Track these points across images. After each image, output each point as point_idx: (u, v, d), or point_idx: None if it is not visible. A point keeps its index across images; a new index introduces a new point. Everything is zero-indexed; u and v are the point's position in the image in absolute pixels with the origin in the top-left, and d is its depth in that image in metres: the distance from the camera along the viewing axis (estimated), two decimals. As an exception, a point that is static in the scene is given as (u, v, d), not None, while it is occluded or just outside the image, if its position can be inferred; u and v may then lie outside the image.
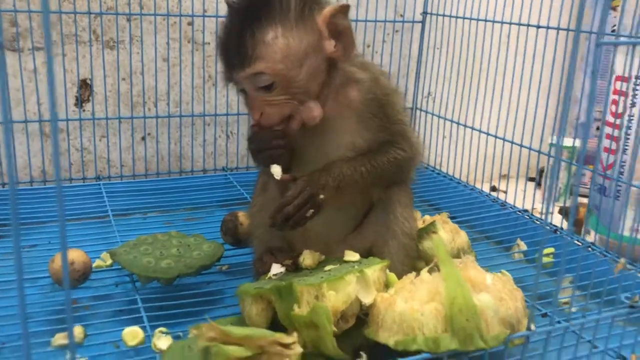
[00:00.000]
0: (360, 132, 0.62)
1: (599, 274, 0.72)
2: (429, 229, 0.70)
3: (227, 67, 0.61)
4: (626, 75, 0.77)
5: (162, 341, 0.61)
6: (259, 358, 0.48)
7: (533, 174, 1.26)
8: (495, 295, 0.54)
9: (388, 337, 0.51)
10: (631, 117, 0.79)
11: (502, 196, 1.08)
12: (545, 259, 0.81)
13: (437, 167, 1.22)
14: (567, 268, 0.76)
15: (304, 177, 0.61)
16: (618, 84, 0.80)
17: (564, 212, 1.04)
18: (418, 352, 0.49)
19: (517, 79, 0.97)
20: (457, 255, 0.72)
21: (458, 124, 1.14)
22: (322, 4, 0.60)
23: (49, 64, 0.33)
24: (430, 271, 0.57)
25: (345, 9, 0.59)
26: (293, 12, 0.58)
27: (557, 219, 0.96)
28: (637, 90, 0.78)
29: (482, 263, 0.70)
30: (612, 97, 0.82)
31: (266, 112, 0.60)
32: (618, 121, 0.80)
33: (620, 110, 0.79)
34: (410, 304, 0.51)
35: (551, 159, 1.01)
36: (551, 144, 1.09)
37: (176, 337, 0.62)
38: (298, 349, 0.49)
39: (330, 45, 0.60)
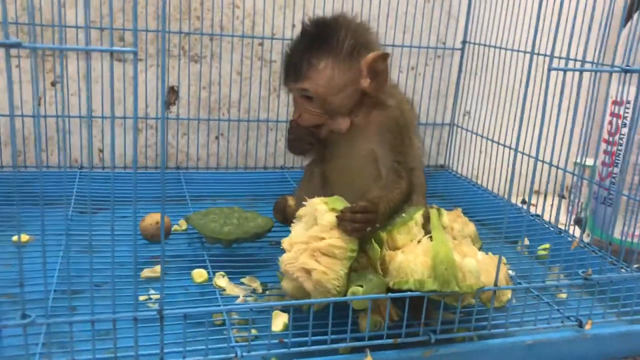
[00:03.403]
0: (379, 143, 0.79)
1: (585, 265, 0.87)
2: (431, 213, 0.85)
3: (286, 76, 0.79)
4: (618, 99, 0.91)
5: (221, 281, 0.80)
6: None
7: (562, 191, 1.39)
8: (481, 265, 0.70)
9: (389, 281, 0.68)
10: (622, 136, 0.93)
11: (531, 209, 1.22)
12: (542, 252, 0.96)
13: (473, 179, 1.36)
14: (558, 260, 0.91)
15: (371, 203, 0.71)
16: (613, 107, 0.94)
17: (580, 221, 1.17)
18: (409, 290, 0.66)
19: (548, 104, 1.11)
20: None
21: (492, 141, 1.29)
22: (369, 48, 0.76)
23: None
24: (430, 239, 0.73)
25: (385, 56, 0.75)
26: (344, 51, 0.74)
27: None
28: (627, 112, 0.92)
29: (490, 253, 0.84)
30: (608, 118, 0.96)
31: (304, 116, 0.78)
32: (612, 139, 0.94)
33: (613, 129, 0.93)
34: (407, 257, 0.68)
35: (575, 177, 1.14)
36: (575, 163, 1.23)
37: (232, 280, 0.81)
38: None
39: (366, 82, 0.76)
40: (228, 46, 1.24)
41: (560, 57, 0.85)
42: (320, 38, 0.75)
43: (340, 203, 0.70)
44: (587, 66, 0.84)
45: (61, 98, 1.17)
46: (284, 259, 0.69)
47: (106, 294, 0.77)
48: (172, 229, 0.94)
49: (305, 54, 0.75)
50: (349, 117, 0.78)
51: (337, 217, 0.68)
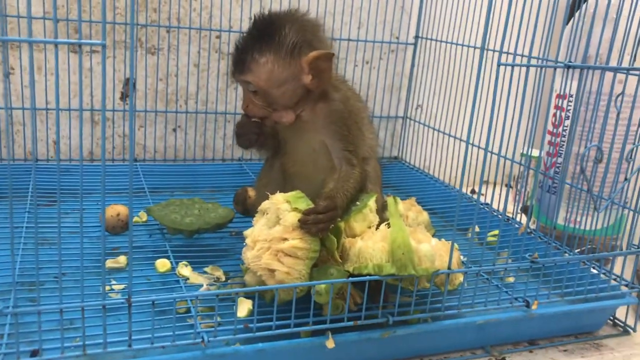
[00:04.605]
0: (327, 134, 0.81)
1: (531, 250, 0.92)
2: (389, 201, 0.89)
3: (233, 68, 0.82)
4: (562, 93, 0.97)
5: (185, 270, 0.82)
6: None
7: (507, 181, 1.45)
8: (434, 251, 0.74)
9: (349, 266, 0.71)
10: (565, 128, 0.98)
11: (481, 198, 1.27)
12: (491, 238, 1.01)
13: (425, 170, 1.41)
14: (506, 245, 0.96)
15: (330, 200, 0.73)
16: (556, 100, 0.99)
17: (527, 209, 1.23)
18: (368, 274, 0.69)
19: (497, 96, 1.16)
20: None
21: (443, 133, 1.34)
22: (314, 46, 0.78)
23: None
24: (387, 226, 0.76)
25: (328, 55, 0.77)
26: (285, 49, 0.77)
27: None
28: (570, 105, 0.97)
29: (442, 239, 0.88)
30: (553, 111, 1.01)
31: (250, 107, 0.81)
32: (556, 130, 1.00)
33: (557, 122, 0.98)
34: (366, 243, 0.71)
35: (522, 167, 1.20)
36: (522, 154, 1.29)
37: (195, 269, 0.83)
38: None
39: (307, 78, 0.78)
40: (185, 38, 1.25)
41: (508, 53, 0.90)
42: (265, 34, 0.78)
43: (302, 202, 0.72)
44: (533, 61, 0.88)
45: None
46: (248, 256, 0.71)
47: (66, 285, 0.78)
48: (133, 220, 0.95)
49: (249, 48, 0.78)
50: (293, 110, 0.81)
51: (301, 220, 0.69)
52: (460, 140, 1.29)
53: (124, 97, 1.25)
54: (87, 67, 1.20)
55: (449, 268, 0.72)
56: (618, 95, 0.76)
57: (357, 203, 0.79)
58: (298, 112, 0.81)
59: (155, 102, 1.26)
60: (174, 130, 1.30)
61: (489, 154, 1.17)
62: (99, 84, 1.20)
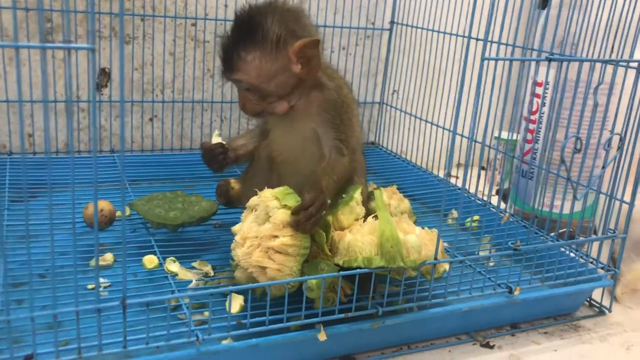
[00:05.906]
0: (319, 122, 0.82)
1: (512, 236, 0.94)
2: (373, 193, 0.90)
3: (222, 69, 0.82)
4: (539, 81, 0.99)
5: (173, 266, 0.82)
6: None
7: (482, 164, 1.48)
8: (420, 240, 0.75)
9: (339, 260, 0.72)
10: (542, 114, 1.00)
11: (454, 181, 1.30)
12: (473, 224, 1.03)
13: (402, 155, 1.42)
14: (487, 230, 0.98)
15: (314, 189, 0.72)
16: (533, 87, 1.01)
17: (501, 193, 1.26)
18: (358, 267, 0.70)
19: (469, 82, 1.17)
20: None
21: (419, 118, 1.35)
22: (298, 35, 0.78)
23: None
24: (374, 218, 0.78)
25: (314, 42, 0.77)
26: (269, 43, 0.77)
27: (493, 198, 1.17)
28: (547, 92, 0.99)
29: (423, 226, 0.89)
30: (529, 98, 1.03)
31: (246, 105, 0.82)
32: (533, 117, 1.02)
33: (534, 108, 1.00)
34: (354, 236, 0.72)
35: (495, 151, 1.22)
36: (498, 138, 1.31)
37: (183, 265, 0.83)
38: None
39: (297, 68, 0.79)
40: (160, 27, 1.23)
41: (487, 40, 0.91)
42: (248, 30, 0.78)
43: (290, 198, 0.72)
44: (517, 51, 0.89)
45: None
46: (238, 253, 0.71)
47: (49, 285, 0.77)
48: (116, 215, 0.94)
49: (234, 46, 0.78)
50: (287, 100, 0.81)
51: (292, 220, 0.69)
52: (437, 126, 1.31)
53: (99, 87, 1.22)
54: (59, 57, 1.17)
55: (435, 258, 0.74)
56: (596, 87, 0.78)
57: (344, 196, 0.79)
58: (293, 103, 0.81)
59: (131, 92, 1.24)
60: (151, 120, 1.28)
61: (464, 139, 1.19)
62: (74, 74, 1.17)
